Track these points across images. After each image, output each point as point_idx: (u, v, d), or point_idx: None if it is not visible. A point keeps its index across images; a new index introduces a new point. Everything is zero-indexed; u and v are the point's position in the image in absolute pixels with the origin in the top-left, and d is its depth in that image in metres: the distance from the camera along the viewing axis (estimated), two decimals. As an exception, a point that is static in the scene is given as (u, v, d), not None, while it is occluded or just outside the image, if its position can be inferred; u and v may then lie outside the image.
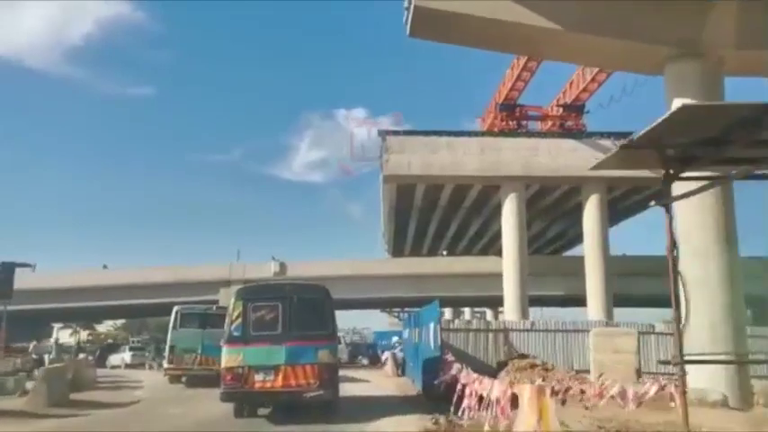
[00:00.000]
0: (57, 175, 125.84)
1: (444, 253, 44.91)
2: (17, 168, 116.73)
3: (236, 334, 11.25)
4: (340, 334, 30.51)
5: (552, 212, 37.84)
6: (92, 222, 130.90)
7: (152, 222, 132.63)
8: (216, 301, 31.59)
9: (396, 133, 31.79)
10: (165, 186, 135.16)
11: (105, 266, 41.19)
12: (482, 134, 32.76)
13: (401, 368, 21.35)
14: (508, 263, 31.26)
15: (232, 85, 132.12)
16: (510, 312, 30.76)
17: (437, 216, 43.15)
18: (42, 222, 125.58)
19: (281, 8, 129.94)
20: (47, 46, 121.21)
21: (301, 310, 11.27)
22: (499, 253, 44.28)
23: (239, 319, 11.31)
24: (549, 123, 33.90)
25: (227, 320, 11.66)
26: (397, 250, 52.37)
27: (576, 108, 32.13)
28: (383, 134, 31.60)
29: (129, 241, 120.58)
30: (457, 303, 53.92)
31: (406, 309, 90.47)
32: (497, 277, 37.37)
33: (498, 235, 46.26)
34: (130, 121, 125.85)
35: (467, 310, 70.11)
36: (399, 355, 25.31)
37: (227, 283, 39.90)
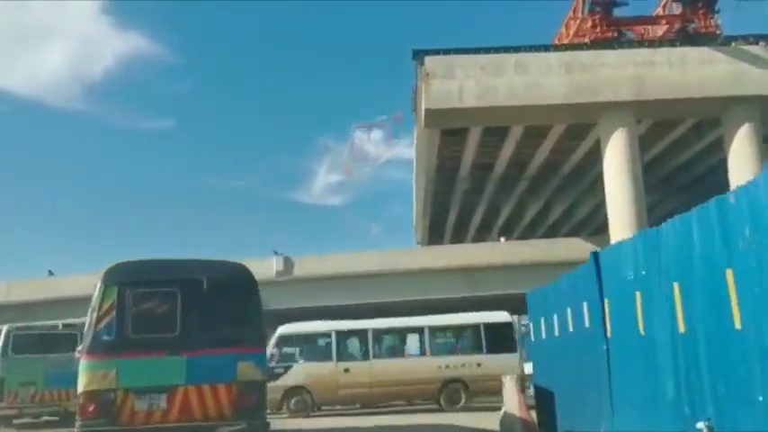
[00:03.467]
0: (77, 210, 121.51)
1: (502, 240, 34.37)
2: (37, 209, 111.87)
3: (104, 338, 7.29)
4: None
5: (668, 163, 27.18)
6: (106, 248, 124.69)
7: (168, 250, 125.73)
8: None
9: (438, 52, 21.64)
10: (184, 214, 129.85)
11: (51, 273, 31.10)
12: (566, 47, 22.36)
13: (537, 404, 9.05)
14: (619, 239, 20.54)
15: (250, 111, 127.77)
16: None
17: (488, 194, 32.90)
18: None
19: (298, 33, 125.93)
20: (66, 83, 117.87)
21: (211, 300, 7.56)
22: (577, 233, 34.07)
23: (110, 315, 7.28)
24: (663, 28, 23.42)
25: (89, 318, 7.33)
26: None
27: (702, 3, 21.75)
28: (419, 56, 21.47)
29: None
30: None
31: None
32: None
33: (573, 210, 35.87)
34: (151, 153, 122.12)
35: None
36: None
37: (213, 289, 29.83)
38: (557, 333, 7.52)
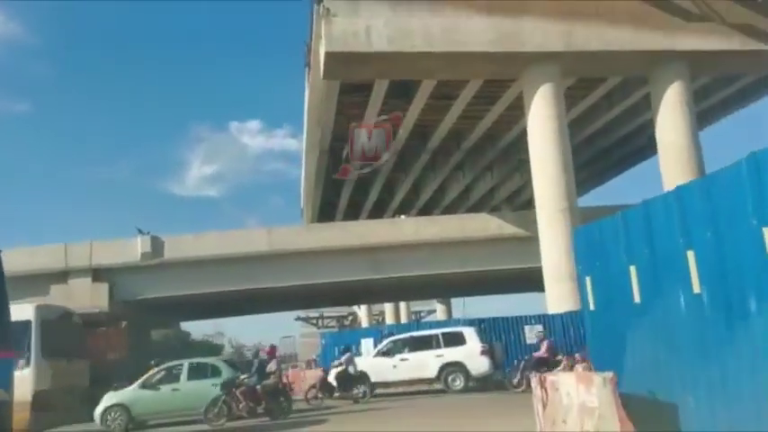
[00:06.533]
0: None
1: (402, 218, 31.50)
2: None
3: None
4: None
5: (587, 125, 25.62)
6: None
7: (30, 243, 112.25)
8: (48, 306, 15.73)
9: (340, -12, 18.04)
10: (47, 204, 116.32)
11: None
12: (485, -12, 19.55)
13: None
14: (547, 211, 18.30)
15: (115, 96, 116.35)
16: (557, 298, 18.00)
17: (385, 170, 29.58)
18: None
19: (165, 14, 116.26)
20: None
21: None
22: (478, 209, 31.80)
23: None
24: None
25: None
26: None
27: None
28: (316, -9, 17.77)
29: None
30: (430, 290, 39.62)
31: (327, 314, 75.42)
32: (507, 243, 25.10)
33: (472, 188, 33.72)
34: (7, 139, 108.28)
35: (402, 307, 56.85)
36: None
37: (64, 275, 24.70)
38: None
